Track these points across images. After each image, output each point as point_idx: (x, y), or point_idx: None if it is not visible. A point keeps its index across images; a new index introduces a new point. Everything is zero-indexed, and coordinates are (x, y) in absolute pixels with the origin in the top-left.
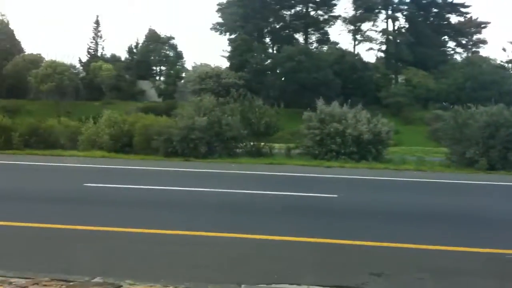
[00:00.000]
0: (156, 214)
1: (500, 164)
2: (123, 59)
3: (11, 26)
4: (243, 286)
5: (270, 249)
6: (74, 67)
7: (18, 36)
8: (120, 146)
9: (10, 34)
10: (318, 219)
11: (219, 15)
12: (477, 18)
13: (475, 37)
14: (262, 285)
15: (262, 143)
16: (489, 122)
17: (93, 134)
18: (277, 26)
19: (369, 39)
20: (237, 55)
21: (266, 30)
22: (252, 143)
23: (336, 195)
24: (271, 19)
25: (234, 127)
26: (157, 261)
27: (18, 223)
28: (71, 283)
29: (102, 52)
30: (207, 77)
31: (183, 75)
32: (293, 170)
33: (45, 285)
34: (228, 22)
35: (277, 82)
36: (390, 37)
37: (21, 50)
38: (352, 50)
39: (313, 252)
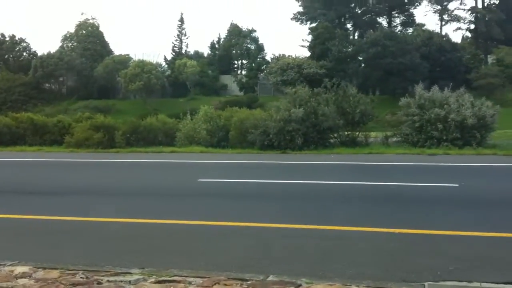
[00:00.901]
0: (282, 208)
1: None
2: (205, 55)
3: (101, 28)
4: (426, 284)
5: (421, 244)
6: (160, 65)
7: (107, 37)
8: (216, 141)
9: (100, 37)
10: (457, 211)
11: (299, 4)
12: None
13: None
14: (446, 282)
15: (357, 132)
16: None
17: (191, 130)
18: (359, 11)
19: (457, 19)
20: (319, 43)
21: (347, 16)
22: (346, 133)
23: (456, 184)
24: (352, 4)
25: (330, 117)
26: (306, 256)
27: (160, 220)
28: (249, 282)
29: (186, 49)
30: (289, 68)
31: (264, 67)
32: (394, 159)
33: (225, 284)
34: (309, 11)
35: (360, 69)
36: (479, 15)
37: (110, 52)
38: (438, 31)
39: (472, 246)
